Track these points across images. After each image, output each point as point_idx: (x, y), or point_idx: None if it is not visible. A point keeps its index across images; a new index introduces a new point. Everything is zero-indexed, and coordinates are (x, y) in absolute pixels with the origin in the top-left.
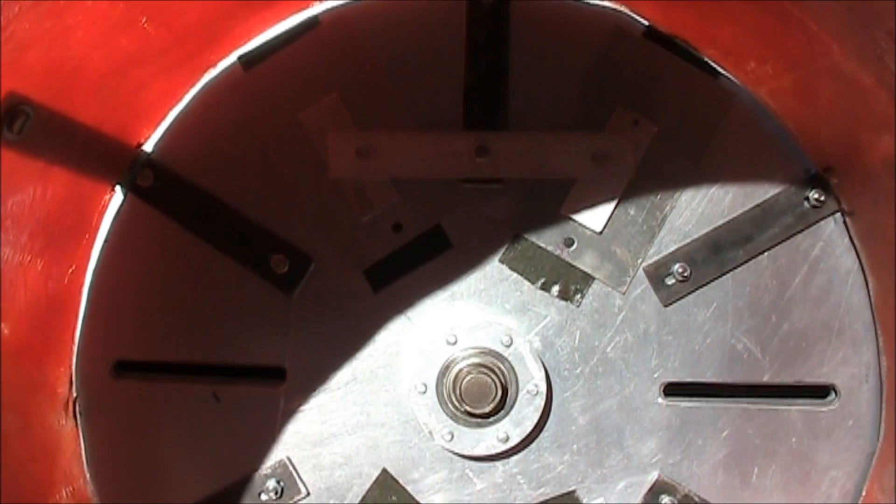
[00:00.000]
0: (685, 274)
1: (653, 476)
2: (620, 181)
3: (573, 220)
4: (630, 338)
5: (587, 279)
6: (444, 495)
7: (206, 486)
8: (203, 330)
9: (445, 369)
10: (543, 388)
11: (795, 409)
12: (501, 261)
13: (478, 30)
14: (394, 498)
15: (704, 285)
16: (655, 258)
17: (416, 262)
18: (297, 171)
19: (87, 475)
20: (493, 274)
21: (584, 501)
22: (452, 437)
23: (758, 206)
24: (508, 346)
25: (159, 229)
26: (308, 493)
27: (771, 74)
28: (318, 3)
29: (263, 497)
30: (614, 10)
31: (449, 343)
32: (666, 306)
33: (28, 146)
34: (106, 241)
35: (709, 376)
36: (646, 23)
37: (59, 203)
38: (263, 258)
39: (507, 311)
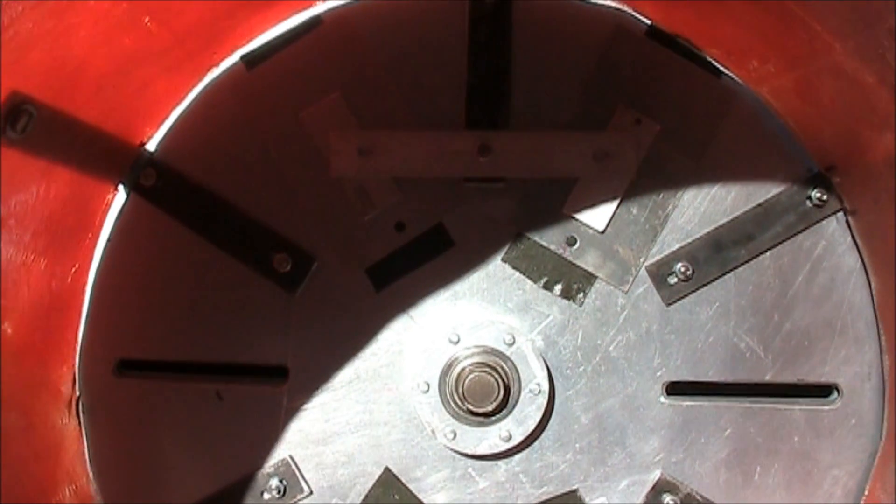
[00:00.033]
0: (687, 273)
1: (655, 475)
2: (622, 180)
3: (575, 219)
4: (632, 337)
5: (589, 278)
6: (447, 494)
7: (209, 485)
8: (206, 329)
9: (448, 368)
10: (546, 386)
11: (798, 407)
12: (504, 260)
13: (479, 29)
14: (396, 497)
15: (707, 284)
16: (658, 257)
17: (419, 261)
18: (300, 170)
19: (90, 474)
20: (496, 273)
21: (587, 500)
22: (455, 435)
23: (760, 205)
24: (511, 345)
25: (162, 228)
26: (311, 492)
27: (773, 73)
28: (319, 2)
29: (266, 496)
30: (616, 9)
31: (451, 342)
32: (668, 305)
33: (31, 145)
34: (109, 240)
35: (711, 375)
36: (648, 22)
37: (61, 202)
38: (266, 257)
39: (509, 310)
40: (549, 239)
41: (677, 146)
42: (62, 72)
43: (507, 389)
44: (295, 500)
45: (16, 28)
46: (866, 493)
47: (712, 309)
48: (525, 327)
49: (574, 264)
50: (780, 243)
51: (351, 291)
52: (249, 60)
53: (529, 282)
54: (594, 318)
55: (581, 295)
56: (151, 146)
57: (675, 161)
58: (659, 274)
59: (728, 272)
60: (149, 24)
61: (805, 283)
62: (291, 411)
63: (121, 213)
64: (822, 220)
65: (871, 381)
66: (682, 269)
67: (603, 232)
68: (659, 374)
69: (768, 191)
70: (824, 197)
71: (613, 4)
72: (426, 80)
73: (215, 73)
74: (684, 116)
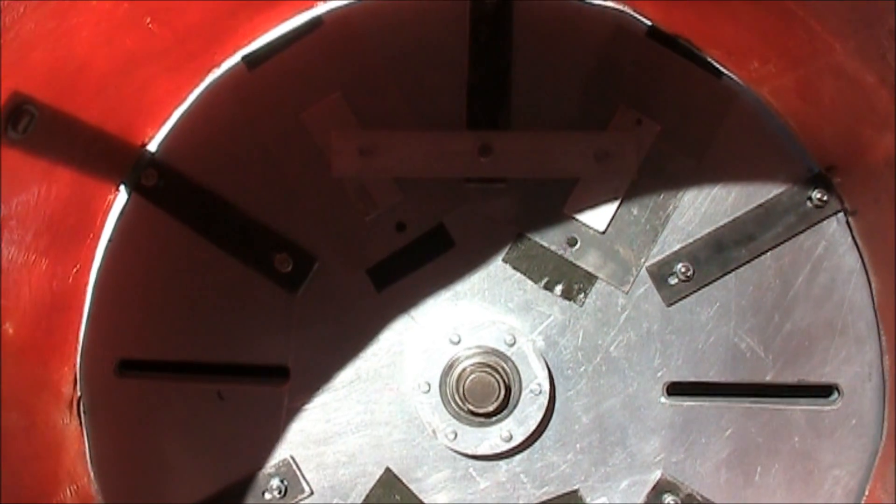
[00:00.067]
0: (688, 273)
1: (656, 475)
2: (623, 180)
3: (576, 220)
4: (633, 337)
5: (590, 278)
6: (448, 494)
7: (210, 485)
8: (207, 329)
9: (449, 368)
10: (547, 387)
11: (798, 408)
12: (505, 260)
13: (481, 29)
14: (397, 497)
15: (707, 284)
16: (658, 257)
17: (420, 262)
18: (301, 170)
19: (91, 474)
20: (497, 273)
21: (587, 500)
22: (456, 436)
23: (761, 205)
24: (512, 346)
25: (163, 229)
26: (312, 492)
27: (773, 73)
28: (321, 3)
29: (267, 496)
30: (617, 9)
31: (452, 342)
32: (669, 305)
33: (32, 146)
34: (110, 240)
35: (712, 375)
36: (648, 22)
37: (63, 202)
38: (267, 257)
39: (510, 310)
40: (550, 239)
41: (678, 146)
42: (63, 72)
43: (508, 390)
44: (296, 500)
45: (17, 28)
46: (867, 493)
47: (713, 309)
48: (526, 327)
49: (575, 265)
50: (781, 244)
51: (352, 292)
52: (251, 61)
53: (530, 282)
54: (595, 318)
55: (582, 295)
56: (153, 146)
57: (675, 161)
58: (659, 274)
59: (729, 272)
60: (150, 24)
61: (806, 284)
62: (292, 411)
63: (122, 213)
64: (822, 220)
65: (871, 381)
66: (683, 270)
67: (604, 232)
68: (660, 374)
69: (769, 191)
70: (825, 197)
71: (614, 5)
72: (427, 81)
73: (216, 73)
74: (685, 117)
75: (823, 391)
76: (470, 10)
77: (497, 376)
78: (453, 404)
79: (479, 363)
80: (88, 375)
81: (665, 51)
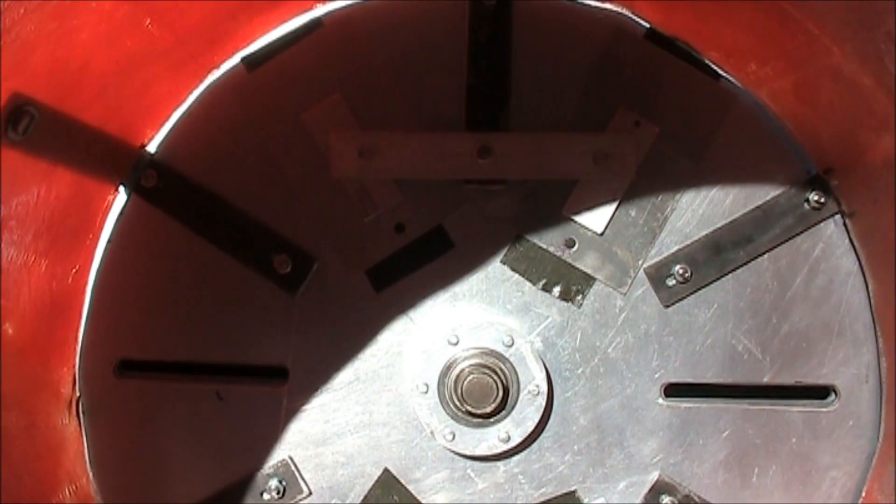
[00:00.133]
0: (686, 275)
1: (653, 476)
2: (622, 182)
3: (574, 221)
4: (631, 338)
5: (588, 280)
6: (446, 495)
7: (209, 485)
8: (206, 329)
9: (447, 369)
10: (545, 388)
11: (796, 409)
12: (503, 261)
13: (480, 30)
14: (395, 497)
15: (705, 286)
16: (656, 259)
17: (419, 263)
18: (300, 171)
19: (91, 474)
20: (495, 274)
21: (585, 501)
22: (454, 437)
23: (758, 207)
24: (510, 347)
25: (163, 229)
26: (310, 493)
27: (771, 76)
28: (320, 4)
29: (265, 496)
30: (616, 11)
31: (451, 343)
32: (667, 307)
33: (32, 146)
34: (109, 241)
35: (709, 377)
36: (647, 24)
37: (63, 203)
38: (266, 258)
39: (508, 311)
40: (549, 241)
41: (676, 148)
42: (64, 73)
43: (506, 391)
44: (294, 500)
45: (18, 30)
46: (864, 494)
47: (711, 311)
48: (524, 329)
49: (573, 266)
50: (779, 245)
51: (351, 292)
52: (250, 62)
53: (528, 283)
54: (593, 319)
55: (580, 297)
56: (152, 147)
57: (674, 163)
58: (657, 276)
59: (726, 274)
60: (150, 25)
61: (803, 285)
62: (291, 412)
63: (122, 214)
64: (820, 222)
65: (868, 382)
66: (681, 271)
67: (602, 234)
68: (657, 375)
69: (767, 193)
70: (822, 199)
71: (613, 7)
72: (427, 82)
73: (216, 74)
74: (683, 118)
75: (821, 393)
76: (470, 12)
77: (495, 377)
78: (451, 405)
79: (478, 364)
80: (88, 376)
81: (664, 53)
